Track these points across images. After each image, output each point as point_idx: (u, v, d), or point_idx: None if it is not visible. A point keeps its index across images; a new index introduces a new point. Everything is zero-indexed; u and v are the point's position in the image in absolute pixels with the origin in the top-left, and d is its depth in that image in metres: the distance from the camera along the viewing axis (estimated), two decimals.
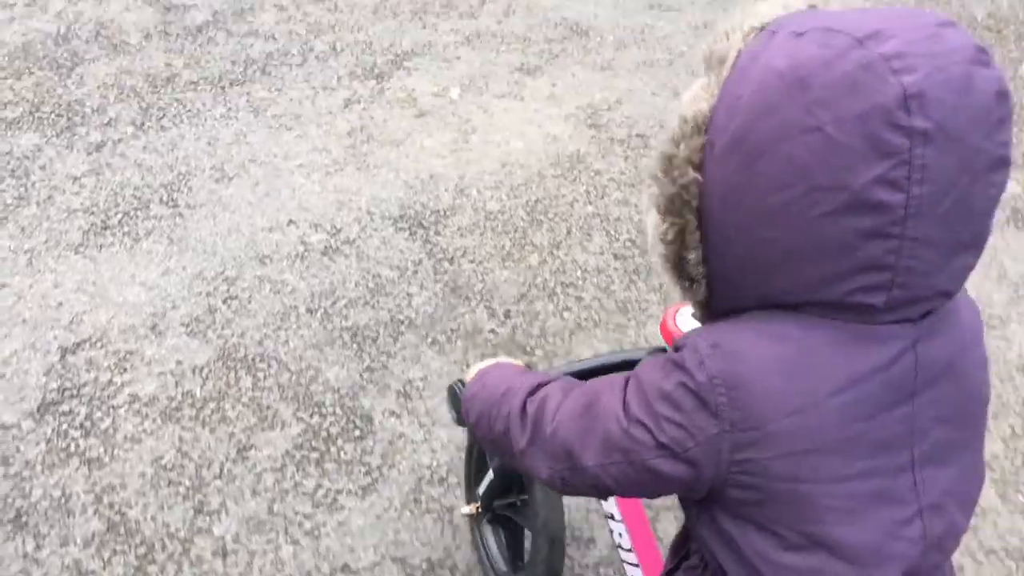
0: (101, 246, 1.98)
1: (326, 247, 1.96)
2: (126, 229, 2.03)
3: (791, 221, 0.52)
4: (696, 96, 0.56)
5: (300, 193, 2.12)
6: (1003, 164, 0.52)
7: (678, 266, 0.61)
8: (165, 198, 2.11)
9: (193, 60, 2.62)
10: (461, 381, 0.87)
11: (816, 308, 0.55)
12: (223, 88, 2.50)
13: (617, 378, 0.65)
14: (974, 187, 0.51)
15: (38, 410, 1.57)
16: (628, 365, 0.91)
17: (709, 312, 0.63)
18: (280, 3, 2.88)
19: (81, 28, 2.79)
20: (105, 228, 2.03)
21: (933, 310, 0.57)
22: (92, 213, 2.07)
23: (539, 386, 0.73)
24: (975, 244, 0.54)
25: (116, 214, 2.07)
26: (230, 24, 2.78)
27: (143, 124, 2.36)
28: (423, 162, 2.22)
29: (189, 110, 2.41)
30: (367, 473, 1.45)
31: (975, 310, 0.64)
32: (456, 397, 0.86)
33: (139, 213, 2.07)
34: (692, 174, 0.56)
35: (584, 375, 0.87)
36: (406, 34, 2.72)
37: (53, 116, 2.40)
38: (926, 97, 0.48)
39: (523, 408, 0.72)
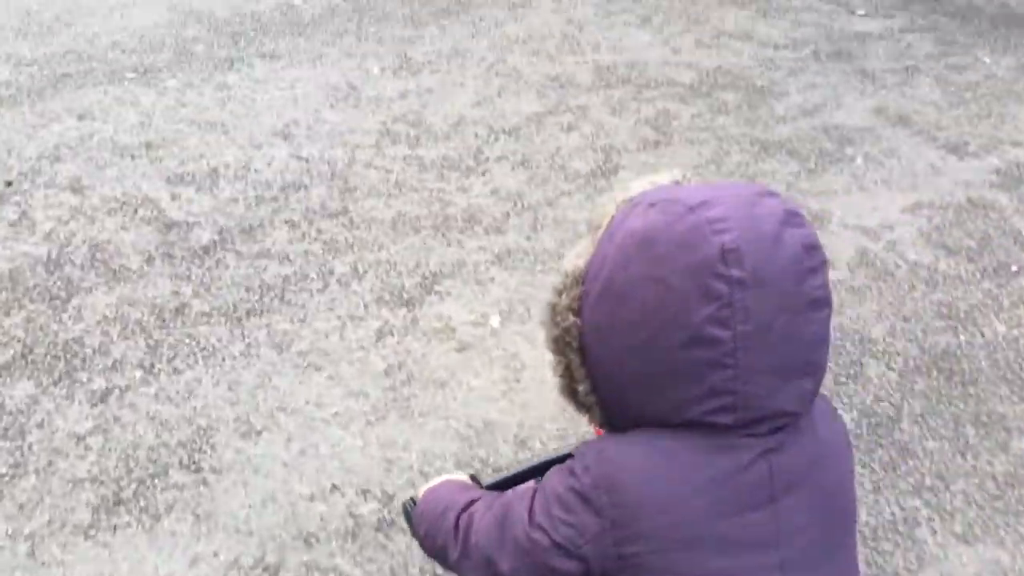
0: (115, 527, 1.70)
1: (379, 520, 1.72)
2: (143, 503, 1.76)
3: (650, 355, 0.64)
4: (577, 254, 0.70)
5: (340, 450, 1.89)
6: (820, 304, 0.64)
7: (572, 395, 0.74)
8: (186, 460, 1.86)
9: (203, 287, 2.42)
10: (413, 499, 0.94)
11: (683, 425, 0.65)
12: (239, 320, 2.29)
13: (528, 488, 0.76)
14: (796, 323, 0.63)
15: None
16: (549, 467, 0.93)
17: (609, 428, 0.73)
18: (291, 219, 2.72)
19: (74, 251, 2.58)
20: (118, 503, 1.76)
21: (782, 427, 0.66)
22: (102, 483, 1.80)
23: (471, 503, 0.83)
24: (809, 371, 0.65)
25: (130, 483, 1.80)
26: (239, 244, 2.60)
27: (153, 366, 2.12)
28: (474, 407, 2.01)
29: (204, 348, 2.18)
30: None
31: (839, 428, 0.73)
32: (408, 515, 0.94)
33: (157, 481, 1.80)
34: (572, 319, 0.69)
35: (512, 482, 0.93)
36: (431, 252, 2.56)
37: (49, 359, 2.15)
38: (741, 252, 0.60)
39: (456, 524, 0.82)
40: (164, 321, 2.28)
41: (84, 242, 2.62)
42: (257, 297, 2.38)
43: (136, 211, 2.76)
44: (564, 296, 0.70)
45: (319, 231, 2.66)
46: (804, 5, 4.03)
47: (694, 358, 0.62)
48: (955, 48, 3.52)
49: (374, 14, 4.20)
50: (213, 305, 2.35)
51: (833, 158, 2.85)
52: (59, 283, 2.44)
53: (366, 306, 2.34)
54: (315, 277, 2.46)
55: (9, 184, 2.91)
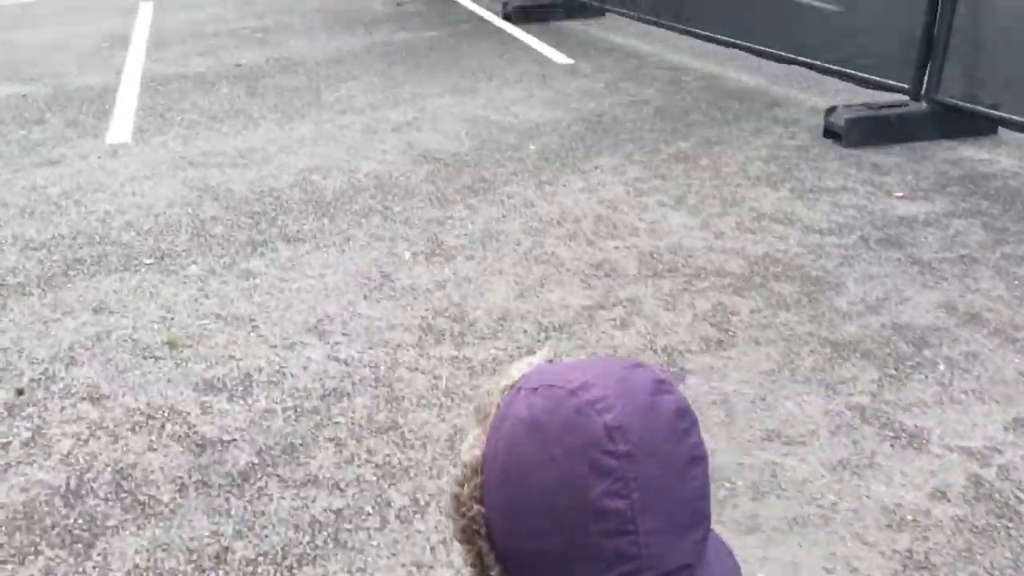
0: None
1: None
2: None
3: (556, 535, 0.67)
4: (471, 444, 0.74)
5: None
6: (698, 460, 0.71)
7: None
8: None
9: (245, 525, 2.14)
10: None
11: None
12: (290, 569, 2.01)
13: None
14: (681, 483, 0.69)
15: None
16: None
17: None
18: (336, 436, 2.47)
19: (96, 478, 2.31)
20: None
21: None
22: None
23: None
24: (697, 522, 0.70)
25: None
26: (280, 467, 2.34)
27: None
28: None
29: None
30: None
31: (731, 563, 0.76)
32: None
33: None
34: (476, 507, 0.72)
35: None
36: None
37: None
38: (624, 427, 0.67)
39: None
40: (204, 571, 2.00)
41: (107, 466, 2.36)
42: (308, 539, 2.11)
43: (164, 426, 2.51)
44: (466, 486, 0.73)
45: (369, 452, 2.42)
46: (838, 185, 3.97)
47: (598, 531, 0.66)
48: (1007, 236, 3.44)
49: (397, 191, 4.09)
50: (259, 550, 2.07)
51: (913, 363, 2.68)
52: (81, 521, 2.16)
53: (432, 549, 2.08)
54: (371, 511, 2.20)
55: (21, 393, 2.66)
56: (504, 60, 6.24)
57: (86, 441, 2.46)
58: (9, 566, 2.02)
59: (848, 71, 4.74)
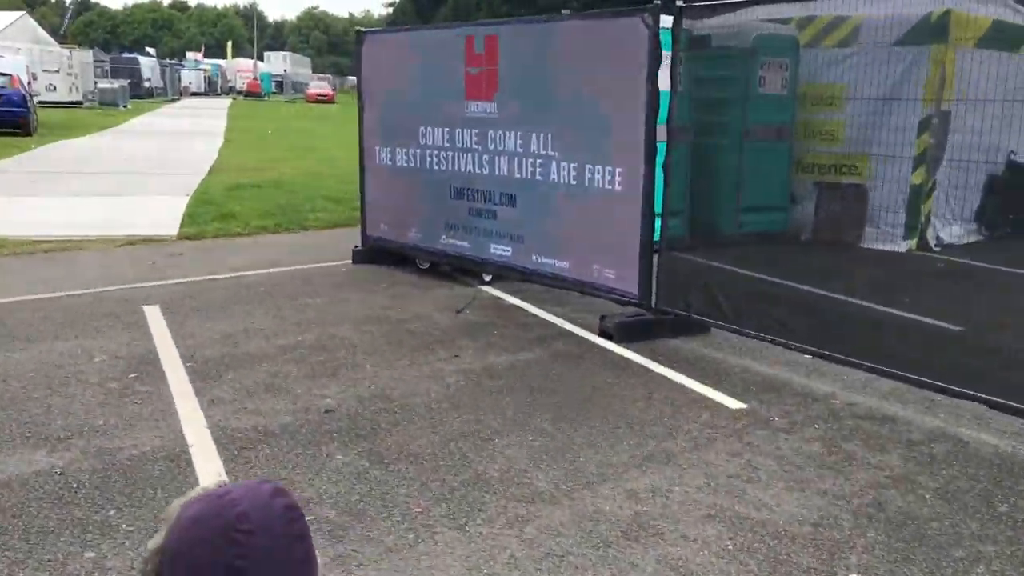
0: None
1: None
2: None
3: None
4: (155, 540, 1.08)
5: None
6: (302, 539, 1.09)
7: None
8: None
9: None
10: None
11: None
12: None
13: None
14: (289, 551, 1.07)
15: None
16: None
17: None
18: None
19: None
20: None
21: None
22: None
23: None
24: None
25: None
26: None
27: None
28: None
29: None
30: None
31: None
32: None
33: None
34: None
35: None
36: None
37: None
38: (248, 515, 1.05)
39: None
40: None
41: None
42: None
43: None
44: (148, 564, 1.07)
45: None
46: None
47: None
48: None
49: None
50: None
51: None
52: None
53: None
54: None
55: None
56: (661, 404, 5.10)
57: None
58: None
59: None
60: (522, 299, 7.67)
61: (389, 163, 8.77)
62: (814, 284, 6.60)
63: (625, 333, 6.39)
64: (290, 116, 40.00)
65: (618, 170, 6.62)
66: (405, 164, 8.56)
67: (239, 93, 68.08)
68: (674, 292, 6.48)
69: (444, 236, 8.29)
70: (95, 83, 42.60)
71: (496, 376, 5.56)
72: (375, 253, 9.18)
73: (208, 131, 27.85)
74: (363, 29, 9.00)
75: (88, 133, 24.18)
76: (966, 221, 10.13)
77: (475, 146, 7.81)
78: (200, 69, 69.78)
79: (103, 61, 53.76)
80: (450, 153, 8.07)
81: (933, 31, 9.57)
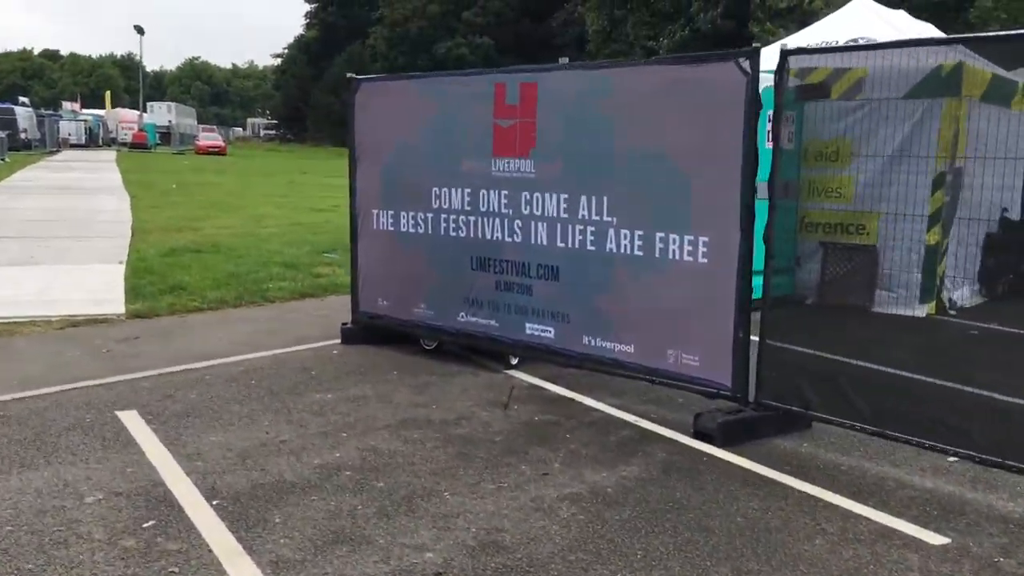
0: None
1: None
2: None
3: None
4: None
5: None
6: None
7: None
8: None
9: None
10: None
11: None
12: None
13: None
14: None
15: None
16: None
17: None
18: None
19: None
20: None
21: None
22: None
23: None
24: None
25: None
26: None
27: None
28: None
29: None
30: None
31: None
32: None
33: None
34: None
35: None
36: None
37: None
38: None
39: None
40: None
41: None
42: None
43: None
44: None
45: None
46: None
47: None
48: None
49: None
50: None
51: None
52: None
53: None
54: None
55: None
56: (845, 541, 4.13)
57: None
58: None
59: None
60: (566, 387, 6.63)
61: (391, 228, 7.63)
62: (918, 367, 5.78)
63: (729, 435, 5.42)
64: (185, 169, 37.89)
65: (702, 239, 5.70)
66: (413, 230, 7.44)
67: (123, 145, 64.85)
68: (780, 382, 5.55)
69: (463, 313, 7.18)
70: None
71: (613, 503, 4.49)
72: (368, 332, 7.97)
73: (106, 187, 25.80)
74: (356, 76, 7.87)
75: None
76: (971, 281, 9.65)
77: (504, 209, 6.79)
78: (80, 120, 66.23)
79: None
80: (472, 218, 7.01)
81: (945, 84, 9.10)
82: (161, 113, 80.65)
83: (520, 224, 6.70)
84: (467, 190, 7.02)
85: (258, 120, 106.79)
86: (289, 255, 12.10)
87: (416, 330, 7.59)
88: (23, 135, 51.00)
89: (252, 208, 19.29)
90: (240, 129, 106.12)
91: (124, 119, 74.08)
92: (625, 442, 5.42)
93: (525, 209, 6.65)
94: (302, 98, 79.23)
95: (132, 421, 5.64)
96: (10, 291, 9.16)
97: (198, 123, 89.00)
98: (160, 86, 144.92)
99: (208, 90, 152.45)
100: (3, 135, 40.09)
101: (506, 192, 6.75)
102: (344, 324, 8.12)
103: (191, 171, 36.18)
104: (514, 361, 7.21)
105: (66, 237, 13.57)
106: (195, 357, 7.23)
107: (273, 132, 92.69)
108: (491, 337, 7.02)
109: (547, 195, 6.51)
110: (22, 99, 68.47)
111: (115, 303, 8.80)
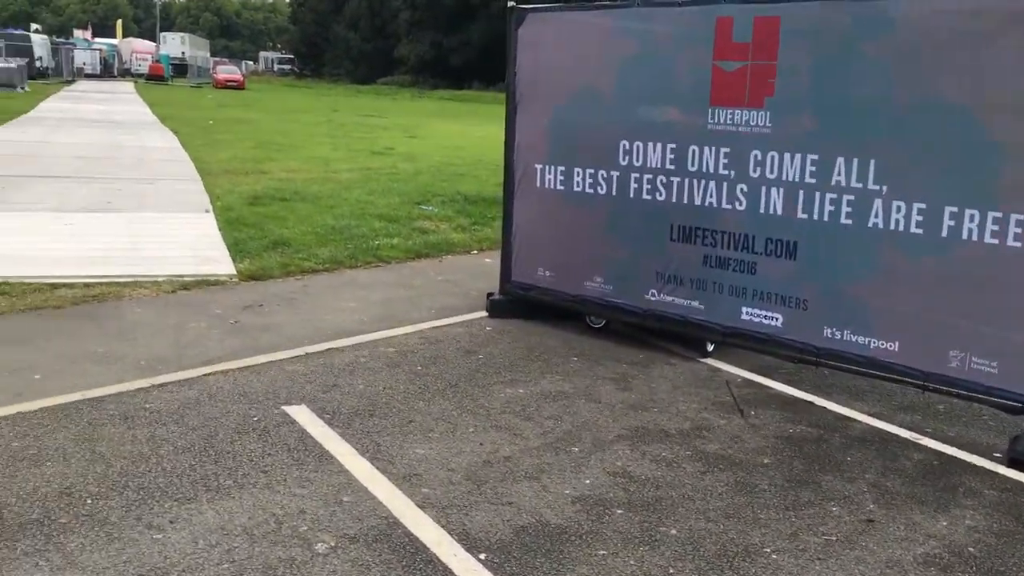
0: None
1: None
2: None
3: None
4: None
5: None
6: None
7: None
8: None
9: None
10: None
11: None
12: None
13: None
14: None
15: None
16: None
17: None
18: None
19: None
20: None
21: None
22: None
23: None
24: None
25: None
26: None
27: None
28: None
29: None
30: None
31: None
32: None
33: None
34: None
35: None
36: None
37: None
38: None
39: None
40: None
41: None
42: None
43: None
44: None
45: None
46: None
47: None
48: None
49: None
50: None
51: None
52: None
53: None
54: None
55: None
56: None
57: None
58: None
59: None
60: (788, 383, 5.60)
61: (560, 188, 6.51)
62: None
63: None
64: (210, 104, 36.51)
65: (1015, 217, 4.59)
66: (590, 191, 6.32)
67: (138, 76, 63.11)
68: None
69: (654, 291, 6.10)
70: None
71: (996, 573, 3.44)
72: (516, 303, 6.91)
73: (141, 121, 24.58)
74: (519, 5, 6.65)
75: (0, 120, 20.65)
76: None
77: (723, 170, 5.66)
78: (95, 49, 64.36)
79: None
80: (675, 179, 5.89)
81: None
82: (175, 44, 78.62)
83: (745, 189, 5.58)
84: (671, 145, 5.88)
85: (271, 54, 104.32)
86: (382, 207, 10.99)
87: (587, 307, 6.52)
88: (38, 63, 49.39)
89: (307, 149, 18.08)
90: (252, 63, 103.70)
91: (138, 49, 72.15)
92: (928, 472, 4.39)
93: (753, 171, 5.52)
94: (320, 33, 77.08)
95: (308, 421, 4.61)
96: (100, 243, 8.08)
97: (210, 55, 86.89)
98: (169, 16, 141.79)
99: (217, 22, 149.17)
100: (23, 63, 38.59)
101: (727, 149, 5.62)
102: (490, 295, 7.06)
103: (217, 106, 34.80)
104: (710, 348, 6.15)
105: (132, 179, 12.43)
106: (334, 332, 6.18)
107: (288, 67, 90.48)
108: (691, 321, 5.95)
109: (786, 155, 5.38)
110: (34, 26, 66.52)
111: (222, 262, 7.72)
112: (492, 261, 8.88)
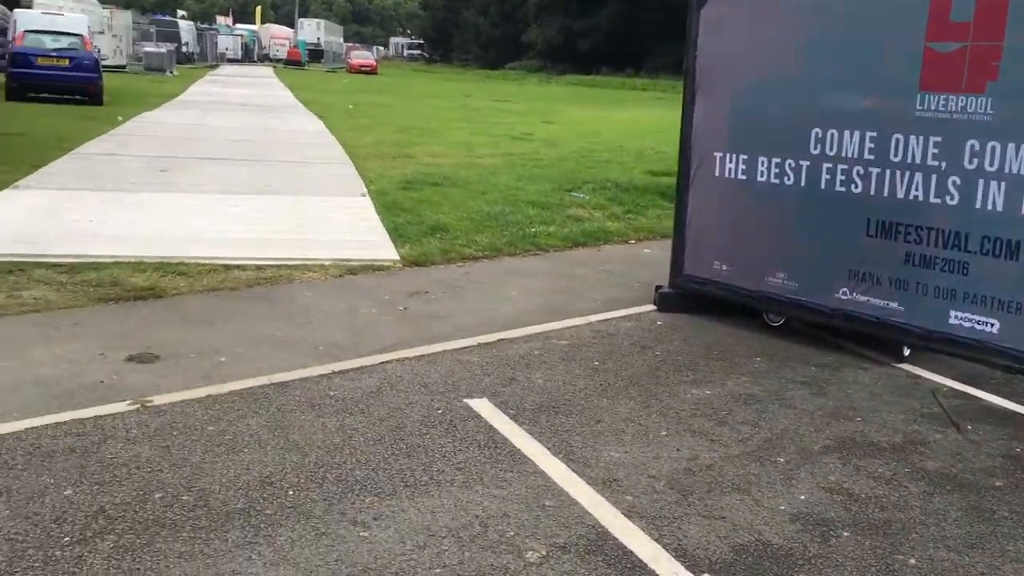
0: None
1: None
2: None
3: None
4: None
5: None
6: None
7: None
8: None
9: None
10: None
11: None
12: None
13: None
14: None
15: None
16: None
17: None
18: None
19: None
20: None
21: None
22: None
23: None
24: None
25: None
26: None
27: None
28: None
29: None
30: None
31: None
32: None
33: None
34: None
35: None
36: None
37: None
38: None
39: None
40: None
41: None
42: None
43: None
44: None
45: None
46: None
47: None
48: None
49: None
50: None
51: None
52: None
53: None
54: None
55: None
56: None
57: None
58: None
59: None
60: (1002, 395, 5.11)
61: (741, 177, 6.15)
62: None
63: None
64: (347, 88, 37.28)
65: None
66: (775, 181, 5.94)
67: (277, 61, 65.20)
68: None
69: (846, 289, 5.68)
70: (142, 47, 39.86)
71: None
72: (686, 297, 6.59)
73: (286, 105, 25.27)
74: None
75: (155, 103, 21.54)
76: None
77: (932, 161, 5.19)
78: (236, 35, 66.84)
79: (139, 23, 50.87)
80: (875, 169, 5.45)
81: None
82: (311, 30, 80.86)
83: (957, 181, 5.11)
84: (870, 134, 5.45)
85: (401, 39, 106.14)
86: (533, 193, 10.82)
87: (767, 304, 6.15)
88: (185, 48, 51.58)
89: (447, 134, 18.12)
90: (383, 48, 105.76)
91: (276, 35, 74.55)
92: None
93: (969, 162, 5.05)
94: (450, 19, 77.83)
95: (492, 416, 4.46)
96: (266, 225, 8.19)
97: (343, 41, 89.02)
98: (304, 3, 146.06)
99: (349, 8, 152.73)
100: (172, 48, 40.33)
101: (937, 138, 5.16)
102: (659, 287, 6.77)
103: (354, 90, 35.50)
104: (906, 352, 5.70)
105: (287, 162, 12.68)
106: (503, 323, 6.03)
107: (417, 52, 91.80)
108: (888, 323, 5.51)
109: (1010, 145, 4.88)
110: (181, 12, 69.60)
111: (384, 247, 7.70)
112: (651, 251, 8.60)
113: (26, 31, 20.04)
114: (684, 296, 6.67)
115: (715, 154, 6.29)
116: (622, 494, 3.71)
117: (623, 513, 3.55)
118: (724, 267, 6.38)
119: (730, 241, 6.33)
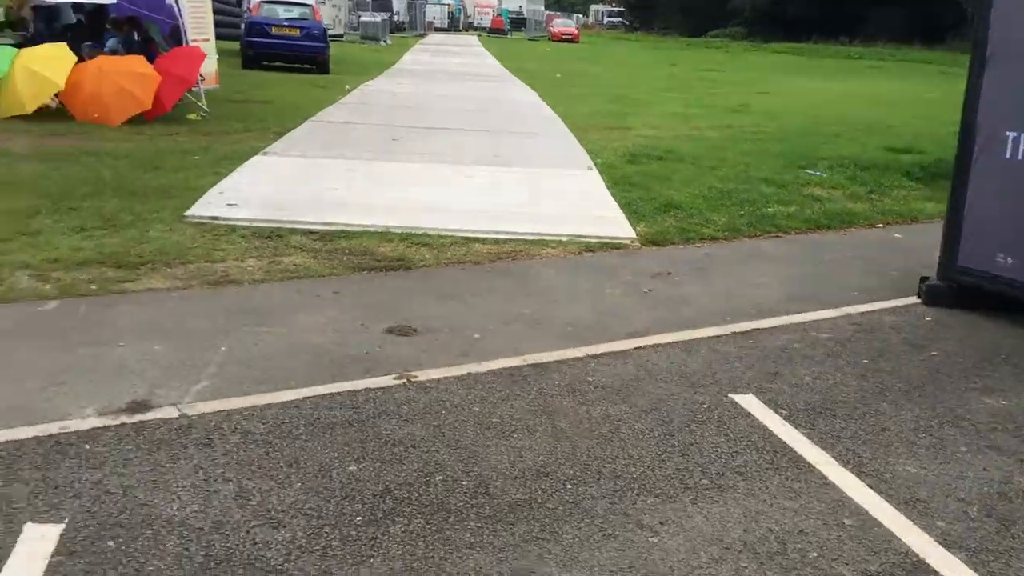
0: None
1: None
2: None
3: None
4: None
5: None
6: None
7: None
8: None
9: None
10: None
11: None
12: None
13: None
14: None
15: None
16: None
17: None
18: None
19: None
20: None
21: None
22: None
23: None
24: None
25: None
26: None
27: None
28: None
29: None
30: None
31: None
32: None
33: None
34: None
35: None
36: None
37: None
38: None
39: None
40: None
41: None
42: None
43: None
44: None
45: None
46: None
47: None
48: None
49: None
50: None
51: None
52: None
53: None
54: None
55: None
56: None
57: None
58: None
59: None
60: None
61: None
62: None
63: None
64: (550, 56, 37.22)
65: None
66: None
67: (481, 30, 66.23)
68: None
69: None
70: (359, 16, 41.47)
71: None
72: (960, 292, 5.95)
73: (496, 74, 25.52)
74: None
75: (374, 72, 22.26)
76: None
77: None
78: (444, 4, 68.40)
79: None
80: None
81: None
82: None
83: None
84: None
85: (602, 7, 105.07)
86: (764, 170, 10.27)
87: None
88: (396, 18, 53.27)
89: (659, 105, 17.65)
90: (582, 16, 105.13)
91: (480, 4, 75.64)
92: None
93: None
94: None
95: (764, 415, 4.16)
96: (500, 198, 8.17)
97: (544, 9, 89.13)
98: None
99: None
100: (386, 17, 41.70)
101: None
102: (925, 279, 6.17)
103: (558, 59, 35.40)
104: None
105: (511, 132, 12.70)
106: (753, 310, 5.68)
107: (616, 20, 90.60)
108: None
109: None
110: None
111: (619, 224, 7.48)
112: (903, 237, 7.95)
113: (261, 1, 21.13)
114: (954, 290, 6.06)
115: (1007, 133, 5.64)
116: (931, 518, 3.33)
117: (937, 541, 3.18)
118: (1009, 260, 5.73)
119: (1019, 232, 5.67)
